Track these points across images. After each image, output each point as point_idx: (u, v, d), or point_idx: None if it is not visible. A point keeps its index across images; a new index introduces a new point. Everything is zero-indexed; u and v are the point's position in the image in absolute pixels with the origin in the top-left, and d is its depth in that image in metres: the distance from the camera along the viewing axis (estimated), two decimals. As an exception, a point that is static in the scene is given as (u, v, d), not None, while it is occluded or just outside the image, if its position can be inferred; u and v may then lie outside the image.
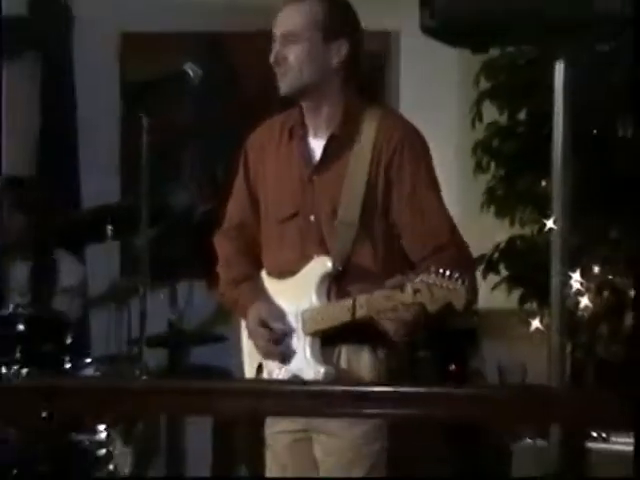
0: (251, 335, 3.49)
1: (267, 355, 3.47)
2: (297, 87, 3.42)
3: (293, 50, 3.40)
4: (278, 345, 3.43)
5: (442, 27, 3.20)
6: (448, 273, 3.11)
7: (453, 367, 4.39)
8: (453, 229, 3.42)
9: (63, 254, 5.17)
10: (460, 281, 3.10)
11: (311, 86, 3.42)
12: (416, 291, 3.17)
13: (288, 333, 3.44)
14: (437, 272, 3.12)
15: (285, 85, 3.43)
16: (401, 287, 3.20)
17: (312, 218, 3.43)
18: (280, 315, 3.44)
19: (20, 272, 5.10)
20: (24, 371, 4.48)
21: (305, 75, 3.41)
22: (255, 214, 3.56)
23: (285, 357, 3.44)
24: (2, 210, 5.11)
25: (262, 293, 3.50)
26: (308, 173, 3.45)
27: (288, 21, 3.41)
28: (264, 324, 3.43)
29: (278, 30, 3.43)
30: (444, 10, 3.12)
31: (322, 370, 3.37)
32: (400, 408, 2.43)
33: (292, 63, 3.40)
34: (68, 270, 5.14)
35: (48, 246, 5.14)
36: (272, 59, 3.42)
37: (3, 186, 5.16)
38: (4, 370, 4.48)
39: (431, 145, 3.48)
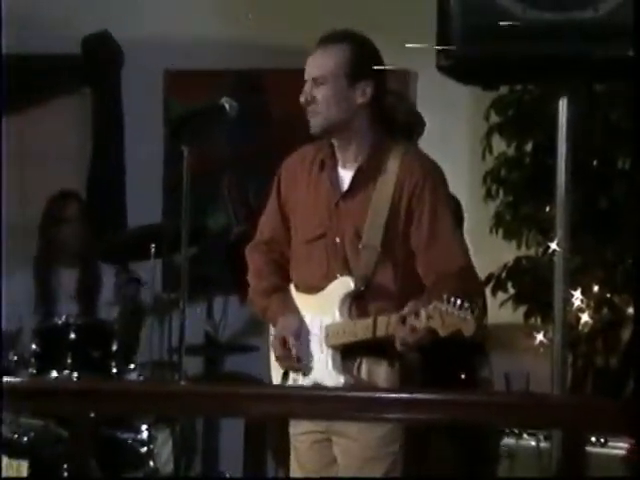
0: (272, 348, 3.51)
1: (284, 368, 3.48)
2: (326, 126, 3.44)
3: (321, 92, 3.42)
4: (293, 362, 3.44)
5: (456, 66, 3.20)
6: (459, 302, 3.11)
7: (463, 376, 4.37)
8: (466, 257, 3.43)
9: (108, 269, 5.18)
10: (470, 311, 3.10)
11: (338, 124, 3.44)
12: (429, 317, 3.18)
13: (311, 344, 3.44)
14: (449, 300, 3.13)
15: (315, 124, 3.45)
16: (416, 313, 3.21)
17: (337, 240, 3.45)
18: (305, 328, 3.45)
19: (67, 284, 5.11)
20: (74, 375, 4.49)
21: (332, 114, 3.42)
22: (285, 232, 3.58)
23: (307, 368, 3.44)
24: (53, 223, 5.13)
25: (291, 305, 3.51)
26: (336, 199, 3.47)
27: (317, 65, 3.44)
28: (284, 343, 3.44)
29: (308, 73, 3.45)
30: (458, 51, 3.13)
31: (342, 380, 3.39)
32: (415, 413, 2.42)
33: (320, 104, 3.42)
34: (109, 282, 5.15)
35: (94, 260, 5.15)
36: (302, 100, 3.44)
37: (57, 199, 5.18)
38: (55, 374, 4.50)
39: (446, 174, 3.49)
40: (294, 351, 3.43)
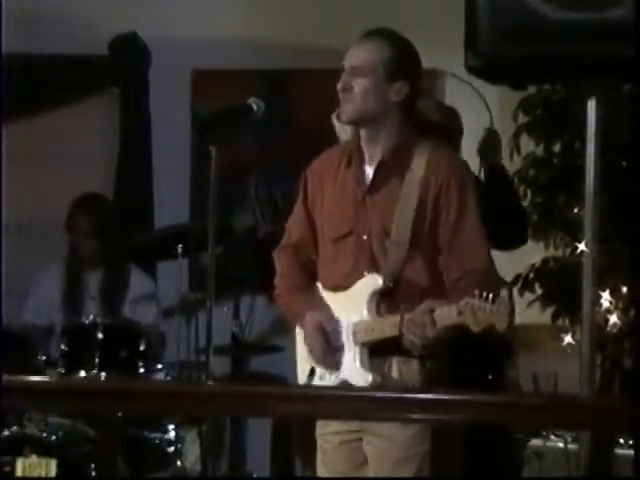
0: (307, 339, 3.50)
1: (319, 360, 3.47)
2: (356, 115, 3.47)
3: (358, 82, 3.45)
4: (332, 351, 3.44)
5: (485, 67, 3.21)
6: (491, 297, 3.12)
7: (491, 377, 4.37)
8: (488, 256, 3.44)
9: (134, 268, 5.20)
10: (502, 305, 3.11)
11: (369, 116, 3.46)
12: (460, 313, 3.19)
13: (340, 341, 3.45)
14: (481, 295, 3.14)
15: (347, 112, 3.48)
16: (431, 309, 3.21)
17: (365, 237, 3.46)
18: (334, 322, 3.46)
19: (92, 284, 5.14)
20: (102, 375, 4.51)
21: (365, 105, 3.45)
22: (311, 234, 3.60)
23: (336, 364, 3.45)
24: (74, 228, 5.15)
25: (318, 302, 3.52)
26: (361, 195, 3.48)
27: (358, 56, 3.48)
28: (321, 328, 3.44)
29: (348, 63, 3.49)
30: (487, 51, 3.13)
31: (370, 378, 3.39)
32: (442, 414, 2.42)
33: (356, 93, 3.45)
34: (138, 283, 5.18)
35: (119, 260, 5.17)
36: (339, 87, 3.48)
37: (78, 202, 5.20)
38: (83, 374, 4.52)
39: (475, 174, 3.48)
40: (332, 335, 3.42)
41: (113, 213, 5.27)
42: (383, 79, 3.45)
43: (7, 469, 4.28)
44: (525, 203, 5.26)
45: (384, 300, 3.42)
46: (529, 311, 5.13)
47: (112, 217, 5.23)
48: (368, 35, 3.51)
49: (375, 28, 3.53)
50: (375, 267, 3.43)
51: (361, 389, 3.14)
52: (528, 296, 5.19)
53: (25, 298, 5.20)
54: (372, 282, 3.41)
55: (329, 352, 3.44)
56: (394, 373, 3.41)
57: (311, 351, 3.49)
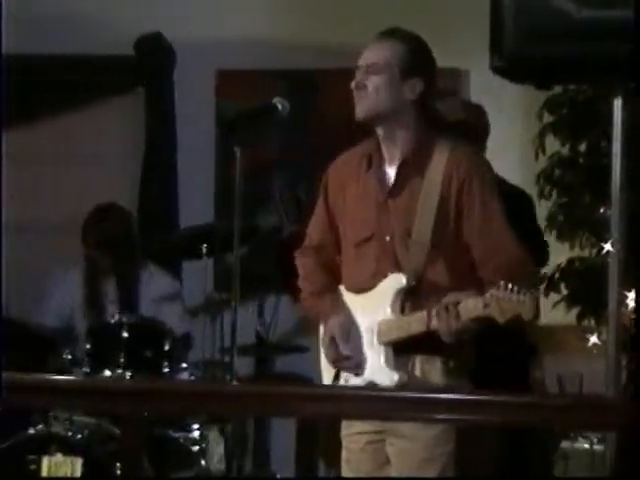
0: (322, 346, 3.52)
1: (334, 366, 3.50)
2: (371, 113, 3.47)
3: (373, 80, 3.46)
4: (342, 361, 3.46)
5: (510, 66, 3.20)
6: (517, 288, 3.13)
7: (517, 377, 4.36)
8: (519, 246, 3.43)
9: (155, 268, 5.21)
10: (529, 295, 3.12)
11: (384, 114, 3.46)
12: (486, 305, 3.19)
13: (363, 342, 3.45)
14: (506, 287, 3.15)
15: (361, 110, 3.48)
16: (456, 302, 3.23)
17: (387, 238, 3.46)
18: (351, 333, 3.46)
19: (110, 290, 5.16)
20: (127, 374, 4.52)
21: (379, 103, 3.45)
22: (333, 236, 3.60)
23: (360, 365, 3.45)
24: (89, 240, 5.16)
25: (341, 305, 3.52)
26: (383, 196, 3.48)
27: (372, 54, 3.49)
28: (333, 341, 3.47)
29: (362, 61, 3.50)
30: (512, 51, 3.12)
31: (395, 377, 3.39)
32: (467, 414, 2.42)
33: (370, 91, 3.46)
34: (160, 283, 5.19)
35: (131, 267, 5.17)
36: (353, 85, 3.49)
37: (90, 217, 5.19)
38: (108, 373, 4.53)
39: (499, 174, 3.47)
40: (343, 350, 3.45)
41: (127, 222, 5.25)
42: (397, 76, 3.45)
43: (33, 467, 4.30)
44: (550, 203, 5.25)
45: (408, 299, 3.43)
46: (554, 312, 5.11)
47: (125, 227, 5.22)
48: (382, 35, 3.52)
49: (388, 29, 3.54)
50: (398, 267, 3.44)
51: (386, 389, 3.15)
52: (553, 296, 5.18)
53: (47, 299, 5.22)
54: (396, 282, 3.42)
55: (348, 357, 3.46)
56: (417, 372, 3.41)
57: (329, 359, 3.53)
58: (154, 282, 5.16)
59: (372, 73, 3.46)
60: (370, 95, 3.45)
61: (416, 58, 3.48)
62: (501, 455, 3.79)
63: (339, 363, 3.49)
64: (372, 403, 2.46)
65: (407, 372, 3.40)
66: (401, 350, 3.42)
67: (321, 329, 3.59)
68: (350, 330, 3.47)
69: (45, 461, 4.30)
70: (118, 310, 4.97)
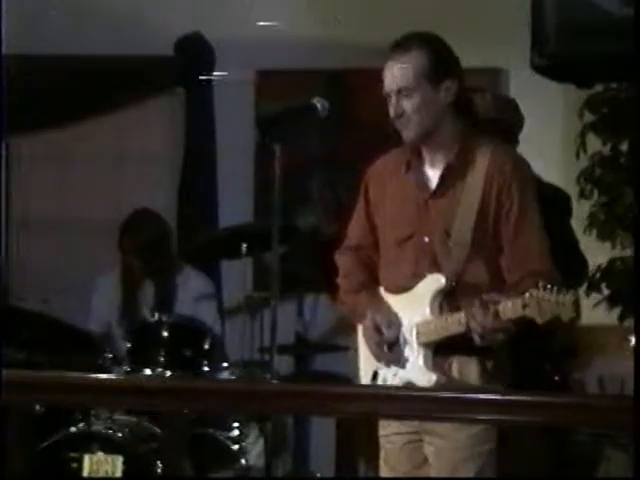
0: (365, 338, 3.52)
1: (378, 358, 3.48)
2: (420, 134, 3.45)
3: (409, 103, 3.42)
4: (388, 351, 3.45)
5: (551, 65, 3.19)
6: (556, 288, 3.12)
7: (557, 378, 4.34)
8: (549, 258, 3.42)
9: (191, 269, 5.24)
10: (569, 296, 3.11)
11: (432, 129, 3.45)
12: (525, 305, 3.18)
13: (402, 342, 3.45)
14: (545, 287, 3.14)
15: (409, 135, 3.46)
16: (495, 301, 3.22)
17: (426, 239, 3.46)
18: (394, 322, 3.46)
19: (147, 294, 5.19)
20: (167, 373, 4.55)
21: (425, 122, 3.43)
22: (372, 237, 3.61)
23: (399, 365, 3.46)
24: (124, 246, 5.19)
25: (379, 301, 3.52)
26: (424, 198, 3.48)
27: (397, 76, 3.43)
28: (377, 329, 3.46)
29: (390, 87, 3.44)
30: (553, 50, 3.11)
31: (434, 378, 3.39)
32: (506, 414, 2.42)
33: (411, 115, 3.42)
34: (195, 283, 5.21)
35: (167, 271, 5.20)
36: (392, 114, 3.44)
37: (125, 224, 5.23)
38: (149, 372, 4.56)
39: (539, 173, 3.46)
40: (388, 335, 3.44)
41: (161, 227, 5.28)
42: (430, 88, 3.41)
43: (74, 465, 4.34)
44: (591, 203, 5.22)
45: (447, 300, 3.43)
46: (595, 312, 5.09)
47: (160, 232, 5.25)
48: (396, 50, 3.44)
49: (401, 38, 3.46)
50: (437, 268, 3.44)
51: (424, 389, 3.15)
52: (594, 297, 5.15)
53: (88, 300, 5.26)
54: (435, 282, 3.42)
55: (386, 349, 3.45)
56: (455, 373, 3.41)
57: (369, 348, 3.51)
58: (191, 283, 5.19)
59: (405, 97, 3.41)
60: (412, 119, 3.42)
61: (441, 60, 3.43)
62: (545, 455, 3.77)
63: (382, 351, 3.47)
64: (410, 403, 2.46)
65: (445, 373, 3.40)
66: (439, 351, 3.42)
67: (359, 328, 3.60)
68: (392, 320, 3.47)
69: (86, 459, 4.34)
70: (157, 310, 5.01)
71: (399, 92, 3.42)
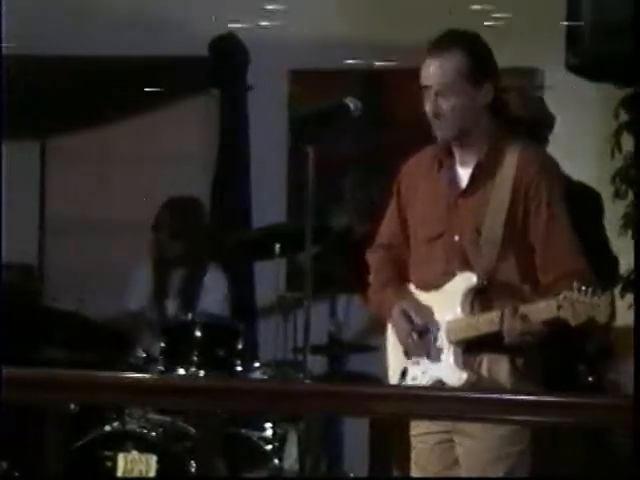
0: (394, 328, 3.52)
1: (407, 348, 3.48)
2: (455, 134, 3.45)
3: (449, 102, 3.41)
4: (417, 340, 3.44)
5: (586, 65, 3.18)
6: (591, 290, 3.10)
7: (590, 379, 4.32)
8: (581, 257, 3.40)
9: (214, 267, 5.26)
10: (603, 297, 3.09)
11: (466, 129, 3.45)
12: (559, 307, 3.17)
13: (432, 340, 3.45)
14: (580, 289, 3.12)
15: (443, 134, 3.45)
16: (513, 309, 3.22)
17: (456, 238, 3.46)
18: (422, 311, 3.45)
19: (174, 283, 5.21)
20: (201, 373, 4.56)
21: (461, 122, 3.43)
22: (403, 235, 3.62)
23: (428, 363, 3.45)
24: (160, 226, 5.23)
25: (408, 293, 3.52)
26: (454, 197, 3.49)
27: (438, 74, 3.41)
28: (407, 316, 3.46)
29: (429, 84, 3.43)
30: (589, 49, 3.10)
31: (464, 376, 3.39)
32: (539, 415, 2.41)
33: (448, 114, 3.41)
34: (216, 283, 5.23)
35: (199, 261, 5.23)
36: (429, 112, 3.43)
37: (165, 204, 5.28)
38: (182, 372, 4.58)
39: (573, 173, 3.45)
40: (417, 320, 3.43)
41: (201, 215, 5.32)
42: (470, 88, 3.41)
43: (109, 464, 4.36)
44: (626, 202, 5.19)
45: (478, 298, 3.42)
46: (631, 313, 5.05)
47: (199, 219, 5.29)
48: (437, 48, 3.42)
49: (438, 37, 3.45)
50: (468, 266, 3.44)
51: (456, 389, 3.14)
52: (629, 298, 5.12)
53: (123, 297, 5.30)
54: (466, 280, 3.42)
55: (415, 337, 3.45)
56: (485, 371, 3.41)
57: (398, 337, 3.51)
58: (221, 283, 5.21)
59: (444, 95, 3.40)
60: (448, 117, 3.41)
61: (481, 61, 3.43)
62: (579, 456, 3.75)
63: (411, 340, 3.46)
64: (443, 403, 2.46)
65: (475, 371, 3.40)
66: (469, 349, 3.42)
67: (389, 329, 3.60)
68: (420, 310, 3.46)
69: (120, 458, 4.36)
70: (177, 306, 5.04)
71: (438, 90, 3.42)
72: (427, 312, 3.47)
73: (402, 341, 3.50)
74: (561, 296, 3.17)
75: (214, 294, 5.17)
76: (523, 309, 3.27)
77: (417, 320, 3.45)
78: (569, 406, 2.33)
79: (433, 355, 3.45)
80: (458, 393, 2.69)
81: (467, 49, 3.42)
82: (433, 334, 3.46)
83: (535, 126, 4.07)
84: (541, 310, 3.24)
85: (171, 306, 5.10)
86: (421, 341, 3.45)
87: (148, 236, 5.33)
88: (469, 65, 3.40)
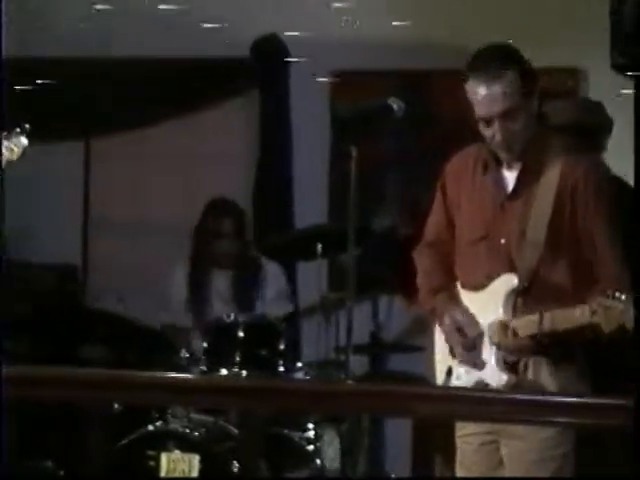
0: (447, 340, 3.52)
1: (461, 358, 3.48)
2: (516, 153, 3.44)
3: (515, 124, 3.39)
4: (471, 350, 3.45)
5: (631, 64, 3.15)
6: (624, 296, 3.09)
7: (633, 383, 4.28)
8: (622, 263, 3.38)
9: (271, 266, 5.27)
10: (631, 304, 3.07)
11: (525, 144, 3.44)
12: (593, 313, 3.16)
13: (478, 341, 3.45)
14: (613, 295, 3.11)
15: (510, 155, 3.44)
16: (581, 309, 3.22)
17: (502, 241, 3.46)
18: (474, 323, 3.46)
19: (222, 284, 5.23)
20: (243, 373, 4.57)
21: (521, 141, 3.42)
22: (449, 232, 3.62)
23: (477, 361, 3.45)
24: (206, 233, 5.24)
25: (458, 302, 3.52)
26: (501, 200, 3.48)
27: (500, 100, 3.36)
28: (460, 330, 3.46)
29: (493, 111, 3.37)
30: (634, 48, 3.07)
31: (504, 378, 3.38)
32: (583, 417, 2.39)
33: (516, 136, 3.40)
34: (274, 281, 5.24)
35: (251, 260, 5.24)
36: (498, 138, 3.38)
37: (211, 208, 5.29)
38: (225, 372, 4.59)
39: (617, 174, 3.42)
40: (469, 332, 3.44)
41: (244, 216, 5.35)
42: (527, 104, 3.40)
43: (152, 464, 4.38)
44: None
45: (521, 301, 3.41)
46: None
47: (244, 219, 5.32)
48: (490, 69, 3.36)
49: (486, 56, 3.40)
50: (512, 268, 3.43)
51: (502, 391, 3.13)
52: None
53: (165, 298, 5.32)
54: (508, 282, 3.42)
55: (469, 350, 3.45)
56: (529, 374, 3.40)
57: (452, 350, 3.52)
58: (270, 279, 5.22)
59: (510, 119, 3.37)
60: (518, 139, 3.40)
61: (528, 74, 3.41)
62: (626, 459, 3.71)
63: (466, 350, 3.47)
64: (486, 405, 2.45)
65: (518, 374, 3.39)
66: (513, 351, 3.40)
67: (436, 327, 3.60)
68: (470, 321, 3.46)
69: (163, 458, 4.38)
70: (229, 307, 5.05)
71: (503, 116, 3.37)
72: (476, 323, 3.47)
73: (457, 353, 3.51)
74: (595, 302, 3.17)
75: (275, 288, 5.19)
76: (559, 314, 3.26)
77: (470, 333, 3.45)
78: (614, 408, 2.32)
79: (477, 357, 3.44)
80: (501, 395, 2.68)
81: (516, 67, 3.39)
82: (480, 336, 3.46)
83: (589, 131, 4.04)
84: (576, 315, 3.24)
85: (219, 308, 5.10)
86: (471, 352, 3.46)
87: (191, 237, 5.34)
88: (523, 82, 3.39)
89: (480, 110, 3.40)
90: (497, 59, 3.40)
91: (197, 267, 5.27)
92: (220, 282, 5.24)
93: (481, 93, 3.38)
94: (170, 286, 5.32)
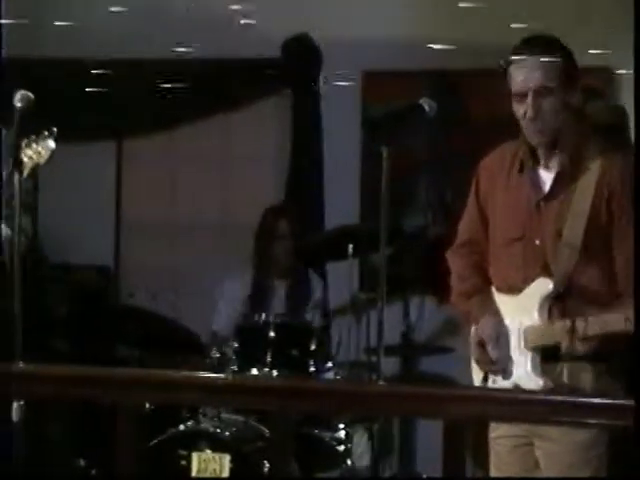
0: (472, 350, 3.50)
1: (482, 369, 3.48)
2: (548, 138, 3.40)
3: (548, 103, 3.35)
4: (488, 364, 3.44)
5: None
6: None
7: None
8: None
9: (313, 273, 5.28)
10: None
11: (558, 133, 3.40)
12: (627, 319, 3.13)
13: (511, 346, 3.42)
14: None
15: (538, 137, 3.40)
16: (617, 316, 3.20)
17: (537, 242, 3.42)
18: (500, 336, 3.43)
19: (280, 290, 5.24)
20: (274, 373, 4.57)
21: (554, 125, 3.38)
22: (484, 232, 3.59)
23: (507, 368, 3.43)
24: (265, 237, 5.26)
25: (491, 307, 3.50)
26: (537, 200, 3.44)
27: (538, 74, 3.34)
28: (481, 344, 3.45)
29: (527, 85, 3.35)
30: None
31: (541, 382, 3.36)
32: (617, 419, 2.37)
33: (548, 115, 3.35)
34: (317, 287, 5.26)
35: (303, 267, 5.27)
36: (528, 114, 3.35)
37: (269, 214, 5.31)
38: (255, 372, 4.59)
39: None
40: (492, 354, 3.42)
41: (297, 227, 5.37)
42: (567, 90, 3.36)
43: (183, 463, 4.39)
44: None
45: (555, 305, 3.38)
46: None
47: (296, 231, 5.33)
48: (535, 46, 3.36)
49: (534, 38, 3.40)
50: (547, 271, 3.40)
51: (533, 392, 3.11)
52: None
53: (217, 300, 5.32)
54: (543, 286, 3.38)
55: (495, 361, 3.44)
56: (565, 379, 3.37)
57: (477, 361, 3.51)
58: (314, 286, 5.25)
59: (545, 96, 3.33)
60: (544, 120, 3.35)
61: (573, 64, 3.39)
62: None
63: (485, 366, 3.47)
64: (517, 406, 2.43)
65: (554, 379, 3.36)
66: (549, 356, 3.38)
67: (472, 330, 3.57)
68: (500, 334, 3.44)
69: (194, 457, 4.39)
70: (287, 308, 5.07)
71: (539, 91, 3.35)
72: (505, 337, 3.44)
73: (480, 367, 3.50)
74: (630, 310, 3.13)
75: (318, 293, 5.21)
76: (593, 321, 3.23)
77: (492, 354, 3.43)
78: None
79: (512, 362, 3.42)
80: (533, 396, 2.66)
81: (562, 50, 3.37)
82: (513, 341, 3.43)
83: (619, 133, 4.02)
84: (610, 322, 3.21)
85: (274, 310, 5.10)
86: (496, 366, 3.44)
87: (222, 237, 5.35)
88: (566, 67, 3.36)
89: (516, 85, 3.36)
90: (541, 45, 3.38)
91: (257, 272, 5.27)
92: (279, 289, 5.25)
93: (520, 71, 3.36)
94: (221, 292, 5.30)
